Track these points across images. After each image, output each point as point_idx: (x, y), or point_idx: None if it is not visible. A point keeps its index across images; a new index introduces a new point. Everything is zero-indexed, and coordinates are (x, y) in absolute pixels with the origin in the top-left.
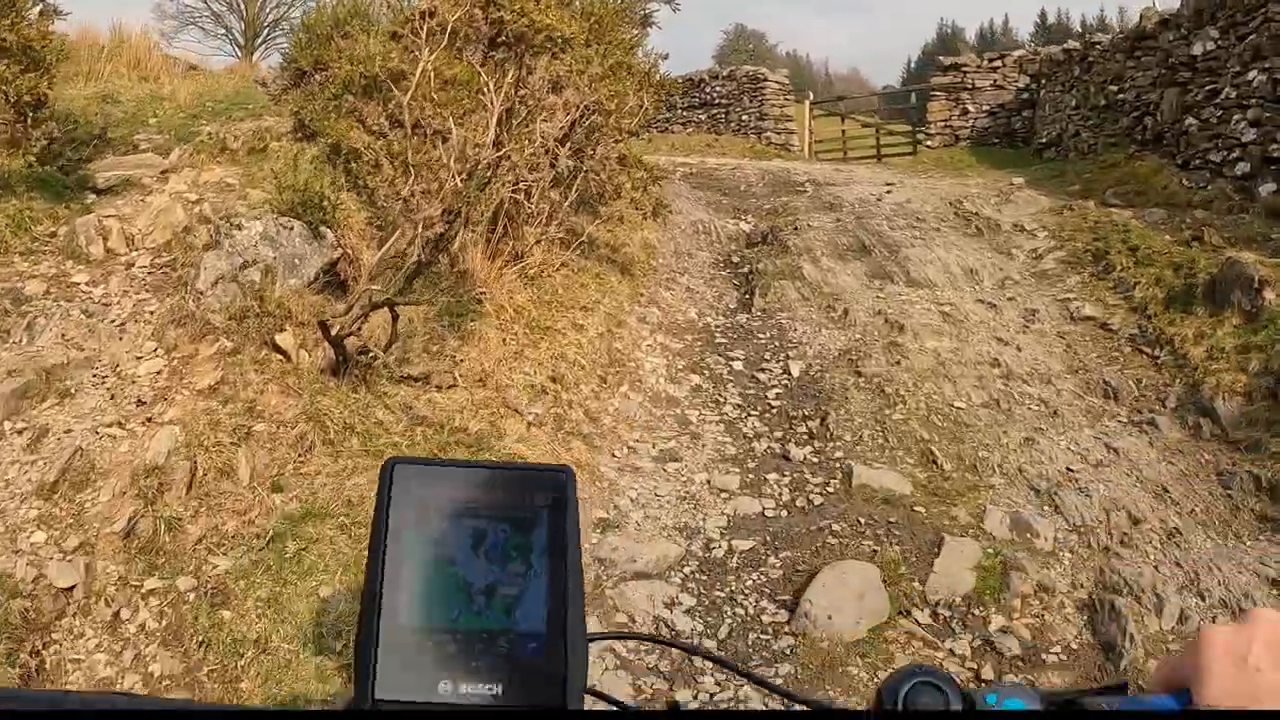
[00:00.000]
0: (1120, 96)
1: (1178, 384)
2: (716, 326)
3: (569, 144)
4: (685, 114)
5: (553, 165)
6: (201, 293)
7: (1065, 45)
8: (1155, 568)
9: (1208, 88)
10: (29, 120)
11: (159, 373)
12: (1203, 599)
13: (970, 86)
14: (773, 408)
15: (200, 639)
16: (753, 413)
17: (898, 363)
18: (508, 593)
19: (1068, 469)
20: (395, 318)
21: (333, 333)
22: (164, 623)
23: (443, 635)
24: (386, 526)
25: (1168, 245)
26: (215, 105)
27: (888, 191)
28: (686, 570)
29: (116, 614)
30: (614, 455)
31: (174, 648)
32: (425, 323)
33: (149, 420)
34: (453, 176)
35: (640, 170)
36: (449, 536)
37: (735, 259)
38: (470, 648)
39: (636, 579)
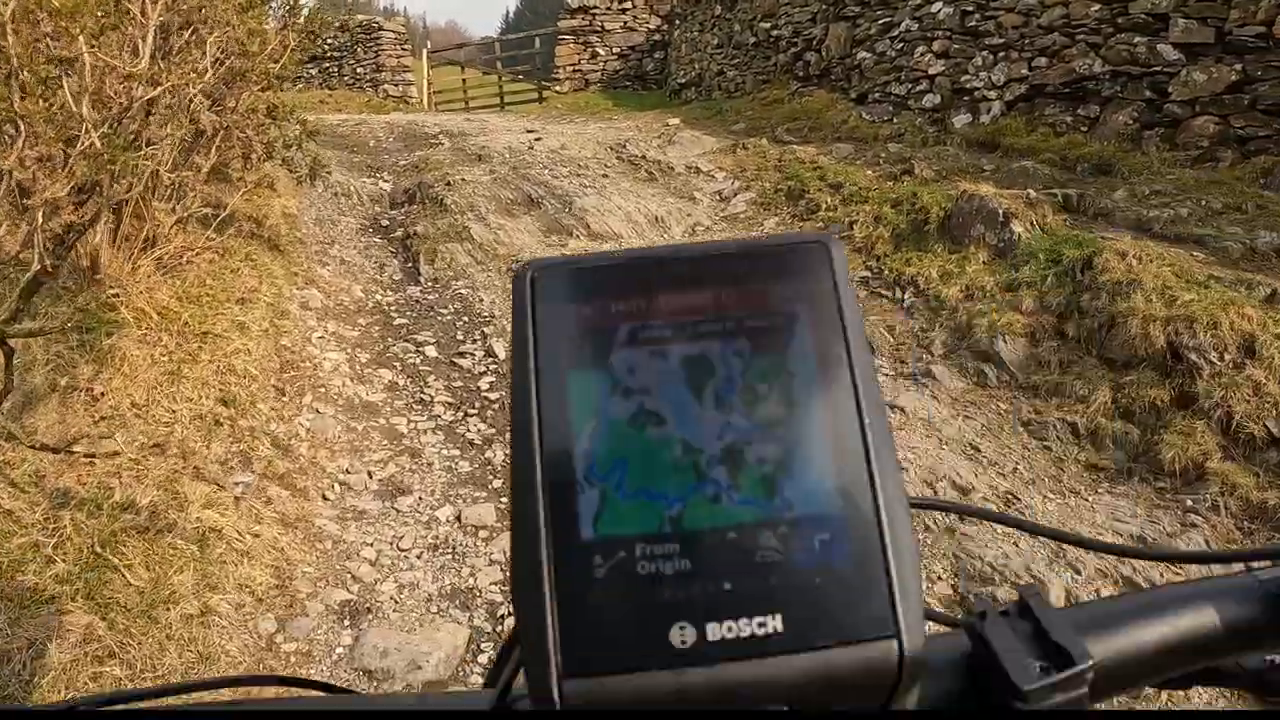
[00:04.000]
0: (775, 33)
1: (938, 329)
2: (389, 304)
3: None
4: (292, 69)
5: (193, 121)
6: None
7: None
8: (1015, 544)
9: (881, 21)
10: None
11: None
12: (1078, 573)
13: (600, 29)
14: (491, 402)
15: None
16: (470, 412)
17: None
18: (764, 455)
19: None
20: (10, 355)
21: None
22: None
23: (663, 546)
24: (538, 378)
25: (874, 181)
26: None
27: (536, 139)
28: (485, 660)
29: None
30: (326, 499)
31: None
32: (47, 348)
33: None
34: (88, 131)
35: (294, 124)
36: (649, 377)
37: (384, 222)
38: (714, 559)
39: (430, 689)
